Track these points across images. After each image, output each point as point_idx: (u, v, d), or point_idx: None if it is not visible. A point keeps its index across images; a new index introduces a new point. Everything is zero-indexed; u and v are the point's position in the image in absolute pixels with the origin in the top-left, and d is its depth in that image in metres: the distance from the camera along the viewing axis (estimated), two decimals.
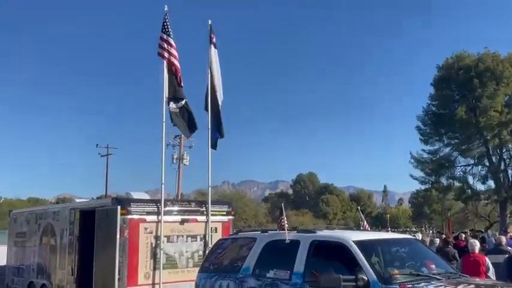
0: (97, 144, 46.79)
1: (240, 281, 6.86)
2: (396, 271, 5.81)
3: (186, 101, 10.53)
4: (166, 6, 10.68)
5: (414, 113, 48.30)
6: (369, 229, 12.96)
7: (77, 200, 12.71)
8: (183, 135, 37.41)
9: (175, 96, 10.42)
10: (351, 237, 6.28)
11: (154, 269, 9.18)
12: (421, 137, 42.97)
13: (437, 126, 41.62)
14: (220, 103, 11.31)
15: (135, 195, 10.32)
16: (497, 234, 25.83)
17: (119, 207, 9.08)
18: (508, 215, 40.47)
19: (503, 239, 11.80)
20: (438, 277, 5.78)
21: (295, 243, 6.54)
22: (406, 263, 6.31)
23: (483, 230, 30.70)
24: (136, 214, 9.18)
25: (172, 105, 10.40)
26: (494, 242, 16.11)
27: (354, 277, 5.59)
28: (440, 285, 5.34)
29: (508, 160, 41.62)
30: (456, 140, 41.69)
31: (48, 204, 47.22)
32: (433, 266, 6.24)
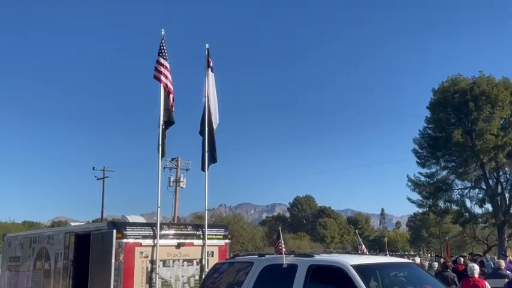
0: (93, 167, 46.67)
1: None
2: None
3: (163, 128, 10.41)
4: (163, 30, 10.80)
5: (411, 135, 48.57)
6: (367, 253, 12.85)
7: (72, 224, 12.59)
8: (179, 157, 37.66)
9: (169, 120, 10.42)
10: (349, 261, 6.21)
11: None
12: (418, 160, 43.10)
13: (434, 149, 41.76)
14: (215, 127, 11.30)
15: (131, 218, 10.23)
16: (495, 258, 25.67)
17: (114, 230, 8.99)
18: (506, 239, 40.28)
19: (503, 263, 11.73)
20: None
21: (292, 268, 6.46)
22: None
23: (481, 254, 30.50)
24: (131, 238, 9.08)
25: (160, 128, 10.37)
26: (492, 266, 16.00)
27: None
28: None
29: (505, 183, 41.65)
30: (453, 163, 41.79)
31: (43, 227, 46.83)
32: None
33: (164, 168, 35.57)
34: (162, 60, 10.52)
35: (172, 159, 37.29)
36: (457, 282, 11.08)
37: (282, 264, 6.62)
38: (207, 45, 11.50)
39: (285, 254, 6.95)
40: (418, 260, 18.82)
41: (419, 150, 43.16)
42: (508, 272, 11.21)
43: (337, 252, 8.33)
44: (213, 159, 11.09)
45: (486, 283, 9.10)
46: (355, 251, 12.00)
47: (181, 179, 37.85)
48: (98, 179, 46.28)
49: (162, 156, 10.68)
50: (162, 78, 10.43)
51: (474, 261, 15.49)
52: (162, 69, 10.48)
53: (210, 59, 11.42)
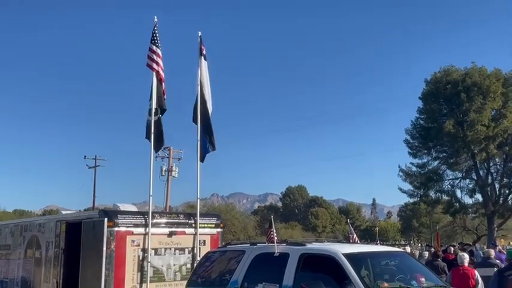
0: (85, 156, 46.39)
1: None
2: (386, 284, 5.76)
3: (160, 116, 10.39)
4: (155, 17, 10.70)
5: (403, 126, 48.78)
6: (358, 242, 12.93)
7: (63, 212, 12.51)
8: (171, 147, 37.55)
9: (160, 107, 10.36)
10: (341, 250, 6.24)
11: (141, 282, 9.03)
12: (410, 151, 43.32)
13: (426, 139, 41.97)
14: (210, 115, 11.25)
15: (123, 207, 10.19)
16: (485, 247, 25.96)
17: (105, 219, 8.95)
18: (496, 229, 40.71)
19: (492, 252, 11.84)
20: None
21: (284, 256, 6.48)
22: (395, 276, 6.26)
23: (471, 244, 30.81)
24: (123, 226, 9.05)
25: (148, 117, 10.32)
26: (482, 255, 16.17)
27: None
28: None
29: (495, 174, 42.01)
30: (444, 154, 42.06)
31: (34, 216, 46.62)
32: (423, 279, 6.21)
33: (156, 157, 35.43)
34: (154, 48, 10.43)
35: (164, 148, 37.17)
36: (447, 271, 11.18)
37: (274, 252, 6.63)
38: (200, 33, 11.41)
39: (276, 242, 6.97)
40: (408, 249, 18.99)
41: (411, 141, 43.38)
42: (498, 261, 11.32)
43: (329, 241, 8.37)
44: (211, 146, 11.01)
45: (475, 272, 9.19)
46: (347, 240, 12.07)
47: (174, 168, 37.78)
48: (89, 168, 46.10)
49: (161, 144, 10.67)
50: (154, 65, 10.35)
51: (464, 250, 15.64)
52: (155, 56, 10.39)
53: (202, 47, 11.33)
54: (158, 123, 10.37)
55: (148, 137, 10.32)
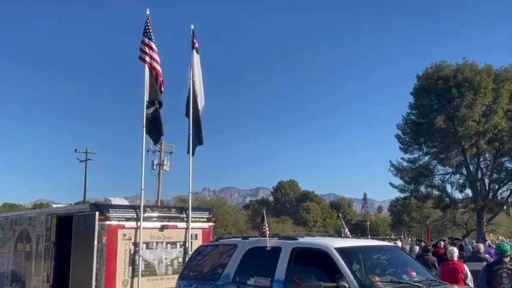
0: (76, 149, 46.14)
1: None
2: (377, 278, 5.78)
3: (157, 107, 10.37)
4: (148, 10, 10.60)
5: (395, 121, 49.02)
6: (350, 236, 12.98)
7: (54, 206, 12.44)
8: (163, 141, 37.41)
9: (155, 100, 10.30)
10: (333, 244, 6.25)
11: (133, 276, 9.00)
12: (401, 146, 43.58)
13: (417, 135, 42.22)
14: (201, 109, 11.21)
15: (114, 201, 10.14)
16: (474, 242, 26.20)
17: (97, 212, 8.90)
18: (485, 223, 41.12)
19: (481, 246, 11.94)
20: (419, 284, 5.77)
21: (276, 250, 6.48)
22: (387, 270, 6.29)
23: (461, 238, 31.07)
24: (114, 220, 9.00)
25: (145, 110, 10.27)
26: (471, 249, 16.31)
27: (335, 284, 5.56)
28: None
29: (485, 169, 42.40)
30: (435, 149, 42.35)
31: (24, 209, 46.29)
32: (414, 274, 6.24)
33: (148, 151, 35.30)
34: (147, 41, 10.34)
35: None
36: (437, 266, 11.26)
37: (266, 246, 6.63)
38: (192, 26, 11.34)
39: (268, 236, 6.97)
40: (399, 243, 19.12)
41: (402, 136, 43.63)
42: (487, 255, 11.43)
43: (321, 236, 8.40)
44: (199, 140, 11.02)
45: (465, 266, 9.27)
46: (338, 234, 12.12)
47: (165, 162, 37.68)
48: (80, 161, 45.87)
49: (160, 136, 10.65)
50: (147, 58, 10.27)
51: (454, 245, 15.75)
52: (147, 49, 10.31)
53: (195, 40, 11.26)
54: (156, 115, 10.34)
55: (147, 130, 10.33)
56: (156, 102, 10.32)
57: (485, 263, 9.57)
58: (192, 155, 10.99)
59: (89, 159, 45.98)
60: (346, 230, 11.50)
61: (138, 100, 10.41)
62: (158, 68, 10.39)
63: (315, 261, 6.15)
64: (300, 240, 6.78)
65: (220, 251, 7.44)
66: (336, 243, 6.43)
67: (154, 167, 36.92)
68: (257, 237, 7.61)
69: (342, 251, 6.01)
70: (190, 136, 10.88)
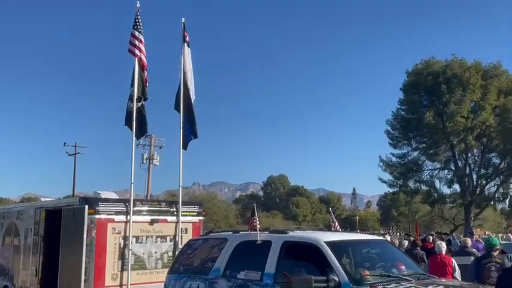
0: (64, 143, 45.75)
1: (210, 282, 6.76)
2: (367, 272, 5.81)
3: (143, 103, 10.27)
4: (138, 2, 10.50)
5: (384, 117, 49.24)
6: (340, 230, 13.03)
7: (43, 199, 12.33)
8: (153, 134, 37.23)
9: (142, 96, 10.21)
10: (323, 238, 6.26)
11: (122, 270, 8.95)
12: (390, 141, 43.83)
13: (406, 130, 42.48)
14: (193, 102, 11.16)
15: (104, 194, 10.07)
16: (461, 236, 26.49)
17: (86, 206, 8.84)
18: (472, 218, 41.56)
19: (469, 241, 12.06)
20: (408, 278, 5.81)
21: (266, 244, 6.48)
22: (376, 264, 6.34)
23: (448, 233, 31.39)
24: (104, 214, 8.94)
25: (130, 103, 10.18)
26: (459, 244, 16.48)
27: (325, 278, 5.56)
28: (411, 286, 5.37)
29: (473, 165, 42.79)
30: (424, 145, 42.65)
31: (12, 203, 45.89)
32: (403, 267, 6.28)
33: (137, 145, 35.13)
34: (136, 34, 10.25)
35: (146, 136, 36.81)
36: (426, 260, 11.36)
37: (256, 240, 6.63)
38: (183, 20, 11.27)
39: (259, 230, 6.97)
40: (388, 238, 19.25)
41: (392, 131, 43.87)
42: (474, 250, 11.55)
43: (311, 229, 8.41)
44: (193, 134, 10.95)
45: (453, 260, 9.36)
46: (328, 228, 12.16)
47: (155, 157, 37.50)
48: (69, 155, 45.51)
49: (144, 132, 10.56)
50: (137, 51, 10.19)
51: (442, 239, 15.91)
52: (137, 42, 10.22)
53: (186, 34, 11.20)
54: (140, 110, 10.23)
55: (128, 124, 10.18)
56: (142, 98, 10.22)
57: (472, 257, 9.67)
58: (185, 149, 10.95)
59: (78, 153, 45.68)
60: (336, 224, 11.53)
61: (126, 93, 10.32)
62: (145, 61, 10.31)
63: (305, 255, 6.16)
64: (291, 234, 6.79)
65: (211, 245, 7.43)
66: (326, 237, 6.44)
67: (144, 161, 36.75)
68: (247, 231, 7.61)
69: (332, 244, 6.02)
70: (181, 130, 10.84)
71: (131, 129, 10.13)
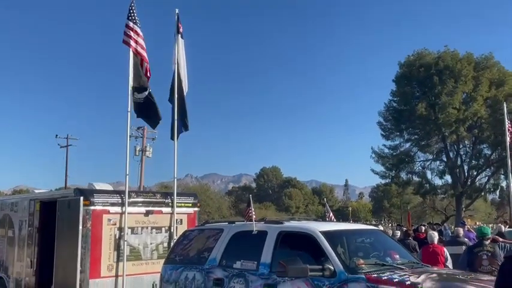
0: (56, 135, 45.55)
1: (206, 272, 6.82)
2: (362, 261, 5.90)
3: (150, 92, 10.30)
4: None
5: (376, 108, 49.41)
6: (335, 220, 13.15)
7: (36, 191, 12.31)
8: (146, 127, 37.12)
9: (140, 85, 10.19)
10: (318, 227, 6.33)
11: (118, 261, 9.00)
12: (382, 132, 43.98)
13: (398, 122, 42.65)
14: (185, 94, 11.16)
15: (98, 186, 10.08)
16: (452, 227, 26.78)
17: (81, 197, 8.85)
18: (463, 209, 41.96)
19: (461, 231, 12.20)
20: (402, 267, 5.90)
21: (262, 234, 6.55)
22: (371, 253, 6.42)
23: (440, 223, 31.69)
24: (99, 205, 8.97)
25: (136, 95, 10.17)
26: (450, 234, 16.67)
27: (320, 267, 5.64)
28: (405, 275, 5.45)
29: (464, 156, 43.10)
30: (416, 136, 42.86)
31: (3, 195, 45.66)
32: (397, 256, 6.37)
33: (130, 137, 34.96)
34: (131, 24, 10.19)
35: (138, 128, 36.75)
36: (418, 250, 11.50)
37: (252, 230, 6.70)
38: (177, 11, 11.22)
39: (255, 221, 7.03)
40: (381, 228, 19.41)
41: (384, 123, 44.02)
42: (466, 239, 11.70)
43: (306, 220, 8.49)
44: (184, 126, 10.98)
45: (445, 249, 9.49)
46: (322, 219, 12.29)
47: (147, 149, 37.44)
48: (61, 147, 45.31)
49: (158, 120, 10.61)
50: (132, 42, 10.14)
51: (433, 230, 16.09)
52: (132, 33, 10.17)
53: (179, 25, 11.16)
54: (150, 100, 10.29)
55: (140, 115, 10.34)
56: (149, 88, 10.26)
57: (464, 247, 9.81)
58: (173, 139, 10.95)
59: (70, 145, 45.49)
60: (331, 214, 11.64)
61: (123, 84, 10.32)
62: (143, 52, 10.27)
63: (301, 244, 6.23)
64: (286, 224, 6.86)
65: (207, 235, 7.48)
66: (322, 227, 6.52)
67: (137, 153, 36.68)
68: (243, 221, 7.67)
69: (327, 234, 6.10)
70: (175, 122, 10.84)
71: (144, 120, 10.49)
